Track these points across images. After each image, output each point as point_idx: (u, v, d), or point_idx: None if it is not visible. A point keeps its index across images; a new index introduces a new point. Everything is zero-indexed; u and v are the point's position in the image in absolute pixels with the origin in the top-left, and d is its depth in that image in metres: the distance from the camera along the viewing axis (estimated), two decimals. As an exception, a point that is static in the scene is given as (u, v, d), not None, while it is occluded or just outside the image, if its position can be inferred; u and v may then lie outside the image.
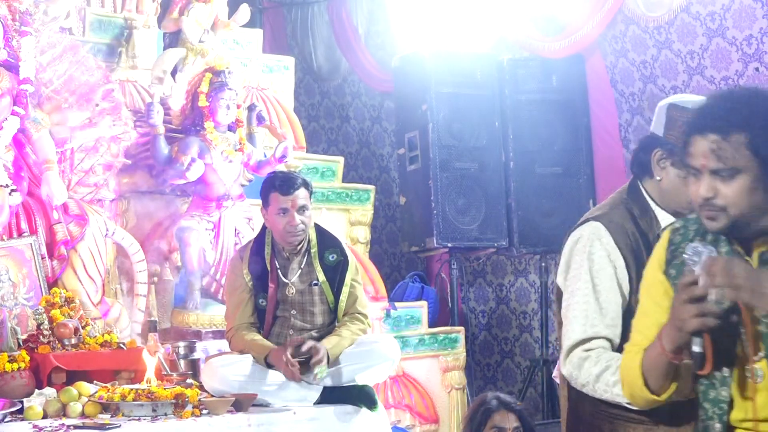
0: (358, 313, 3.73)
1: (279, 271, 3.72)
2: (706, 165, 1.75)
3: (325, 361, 3.48)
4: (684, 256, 1.72)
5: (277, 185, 3.67)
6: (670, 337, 1.75)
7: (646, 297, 1.94)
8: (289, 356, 3.46)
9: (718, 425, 1.83)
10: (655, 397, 1.87)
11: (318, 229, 3.79)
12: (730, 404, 1.82)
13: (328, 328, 3.71)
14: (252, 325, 3.71)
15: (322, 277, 3.70)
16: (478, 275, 6.41)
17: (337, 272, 3.72)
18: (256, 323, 3.73)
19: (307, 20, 7.28)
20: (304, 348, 3.50)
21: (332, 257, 3.74)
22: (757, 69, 4.89)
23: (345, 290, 3.71)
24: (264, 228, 3.82)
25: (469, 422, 3.44)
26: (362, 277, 4.02)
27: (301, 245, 3.74)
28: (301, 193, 3.68)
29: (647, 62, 5.39)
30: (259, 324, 3.73)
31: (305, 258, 3.74)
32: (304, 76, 7.31)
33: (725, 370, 1.82)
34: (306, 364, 3.52)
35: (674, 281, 1.84)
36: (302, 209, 3.67)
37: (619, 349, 2.22)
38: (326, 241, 3.78)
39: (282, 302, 3.72)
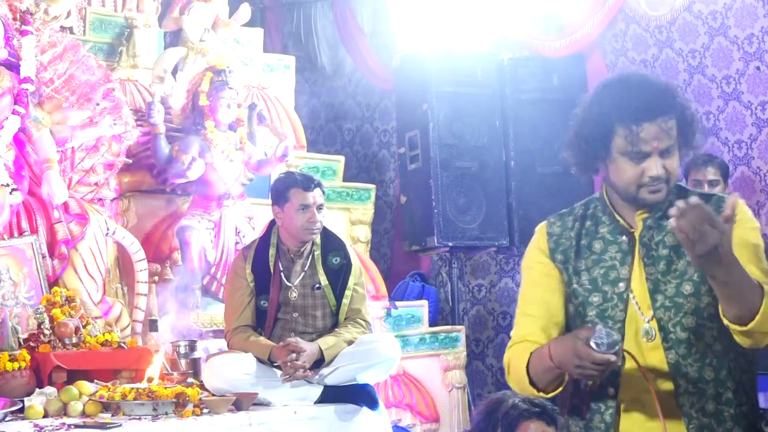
0: (361, 319, 3.73)
1: (282, 273, 3.72)
2: (658, 147, 1.91)
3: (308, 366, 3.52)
4: (594, 342, 1.80)
5: (299, 182, 3.70)
6: (564, 365, 1.86)
7: (525, 282, 2.09)
8: (293, 358, 3.48)
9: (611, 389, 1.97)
10: (542, 394, 1.97)
11: (323, 231, 3.79)
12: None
13: (330, 331, 3.71)
14: (251, 327, 3.71)
15: (324, 280, 3.71)
16: (469, 275, 6.39)
17: (339, 276, 3.72)
18: (255, 325, 3.73)
19: (310, 19, 7.28)
20: (290, 347, 3.51)
21: (335, 260, 3.74)
22: (758, 68, 4.89)
23: (347, 294, 3.71)
24: (269, 228, 3.82)
25: (484, 426, 3.18)
26: (364, 276, 4.01)
27: (305, 247, 3.74)
28: (320, 192, 3.73)
29: (647, 61, 5.39)
30: (260, 326, 3.73)
31: (308, 260, 3.74)
32: (307, 75, 7.31)
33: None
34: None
35: (564, 265, 2.03)
36: (320, 207, 3.70)
37: None
38: (330, 243, 3.79)
39: (284, 305, 3.72)
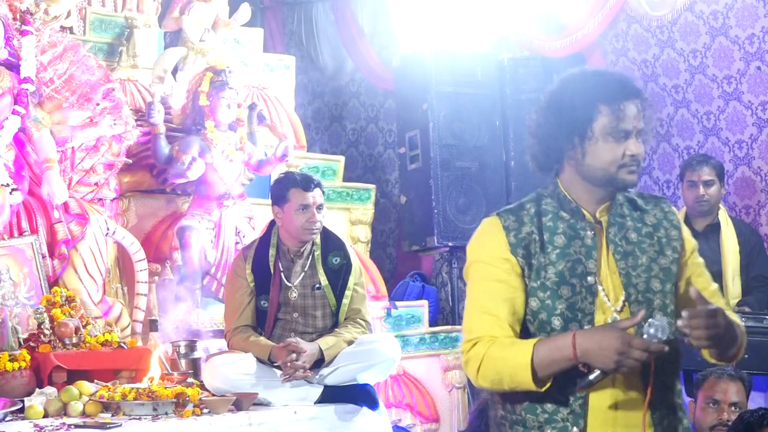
0: (361, 319, 3.73)
1: (282, 273, 3.72)
2: (636, 126, 2.01)
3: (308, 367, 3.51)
4: (648, 331, 1.90)
5: (299, 182, 3.70)
6: (595, 356, 1.89)
7: (484, 278, 2.04)
8: (293, 358, 3.48)
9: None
10: (537, 388, 1.96)
11: (323, 231, 3.79)
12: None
13: (330, 331, 3.70)
14: (251, 328, 3.71)
15: (324, 280, 3.70)
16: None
17: (339, 276, 3.72)
18: (255, 325, 3.72)
19: (311, 19, 7.28)
20: (291, 347, 3.51)
21: (336, 260, 3.74)
22: (758, 68, 4.89)
23: (347, 294, 3.71)
24: (269, 228, 3.81)
25: (477, 425, 3.28)
26: (364, 277, 4.01)
27: (304, 247, 3.74)
28: (319, 192, 3.73)
29: (648, 61, 5.39)
30: (260, 326, 3.73)
31: (308, 261, 3.74)
32: (311, 75, 7.31)
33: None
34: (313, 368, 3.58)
35: (527, 260, 2.03)
36: (320, 207, 3.70)
37: None
38: (330, 243, 3.78)
39: (284, 305, 3.71)
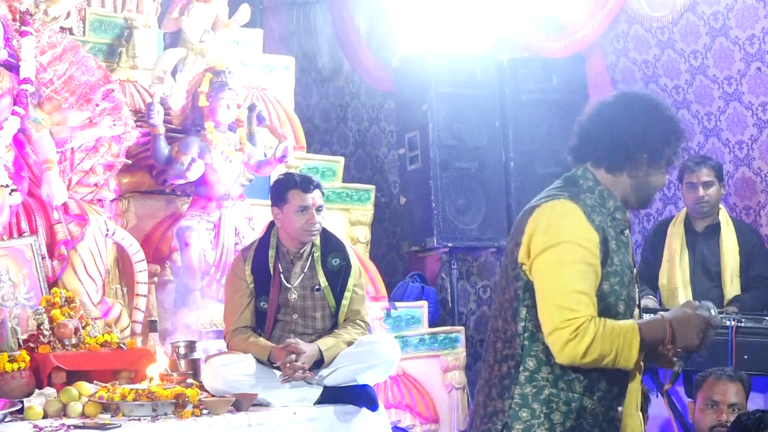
0: (360, 320, 3.73)
1: (282, 275, 3.71)
2: None
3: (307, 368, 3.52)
4: (708, 311, 2.16)
5: (298, 183, 3.69)
6: (682, 336, 2.12)
7: (576, 259, 2.12)
8: (292, 359, 3.48)
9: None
10: (632, 367, 2.15)
11: (323, 232, 3.79)
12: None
13: (330, 332, 3.71)
14: (250, 329, 3.71)
15: (324, 282, 3.70)
16: (475, 276, 6.38)
17: (339, 277, 3.72)
18: (254, 326, 3.72)
19: (310, 20, 7.27)
20: (290, 348, 3.51)
21: (335, 261, 3.74)
22: (759, 69, 4.89)
23: (347, 295, 3.71)
24: (269, 229, 3.81)
25: None
26: (363, 278, 4.01)
27: (304, 249, 3.74)
28: (319, 193, 3.73)
29: (649, 62, 5.39)
30: (259, 327, 3.73)
31: (308, 262, 3.74)
32: (315, 75, 7.30)
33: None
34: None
35: (604, 245, 2.15)
36: (319, 209, 3.70)
37: None
38: (330, 245, 3.78)
39: (283, 306, 3.71)
